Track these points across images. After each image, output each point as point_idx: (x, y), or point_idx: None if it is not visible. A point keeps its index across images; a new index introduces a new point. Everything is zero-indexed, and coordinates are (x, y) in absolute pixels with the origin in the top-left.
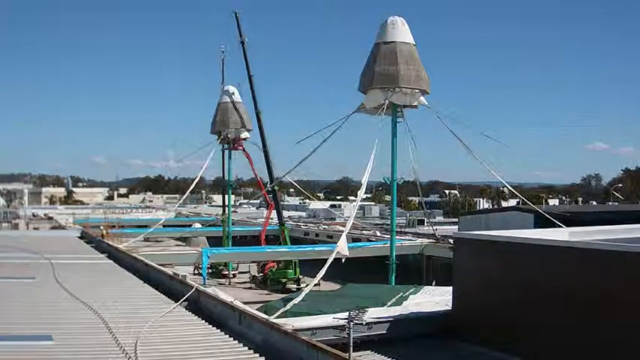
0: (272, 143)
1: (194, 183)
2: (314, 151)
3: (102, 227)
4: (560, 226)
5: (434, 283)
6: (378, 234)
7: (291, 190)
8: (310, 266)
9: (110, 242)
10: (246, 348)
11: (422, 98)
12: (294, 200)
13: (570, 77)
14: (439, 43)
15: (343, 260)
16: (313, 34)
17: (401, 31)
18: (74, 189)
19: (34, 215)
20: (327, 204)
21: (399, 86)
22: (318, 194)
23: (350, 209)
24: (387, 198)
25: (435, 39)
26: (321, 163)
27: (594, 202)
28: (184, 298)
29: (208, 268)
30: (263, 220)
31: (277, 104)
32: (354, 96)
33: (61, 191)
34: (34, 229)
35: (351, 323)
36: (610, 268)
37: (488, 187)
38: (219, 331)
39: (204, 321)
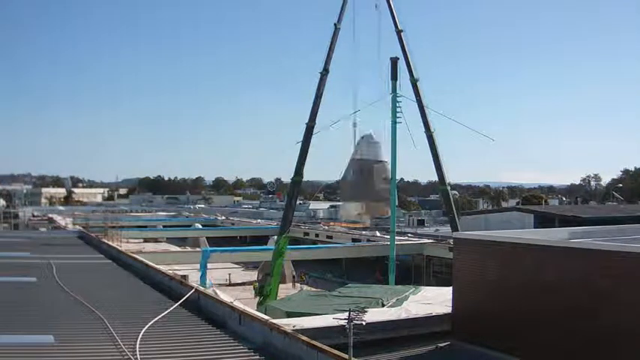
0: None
1: None
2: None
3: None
4: (559, 226)
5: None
6: (378, 234)
7: None
8: (310, 266)
9: (110, 242)
10: (246, 348)
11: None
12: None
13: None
14: (437, 37)
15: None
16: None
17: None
18: (74, 189)
19: (34, 216)
20: (326, 204)
21: None
22: (318, 194)
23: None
24: None
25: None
26: (321, 163)
27: (594, 203)
28: (184, 298)
29: None
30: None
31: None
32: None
33: (60, 192)
34: (34, 229)
35: (351, 324)
36: (610, 268)
37: (488, 188)
38: (219, 331)
39: (204, 321)
